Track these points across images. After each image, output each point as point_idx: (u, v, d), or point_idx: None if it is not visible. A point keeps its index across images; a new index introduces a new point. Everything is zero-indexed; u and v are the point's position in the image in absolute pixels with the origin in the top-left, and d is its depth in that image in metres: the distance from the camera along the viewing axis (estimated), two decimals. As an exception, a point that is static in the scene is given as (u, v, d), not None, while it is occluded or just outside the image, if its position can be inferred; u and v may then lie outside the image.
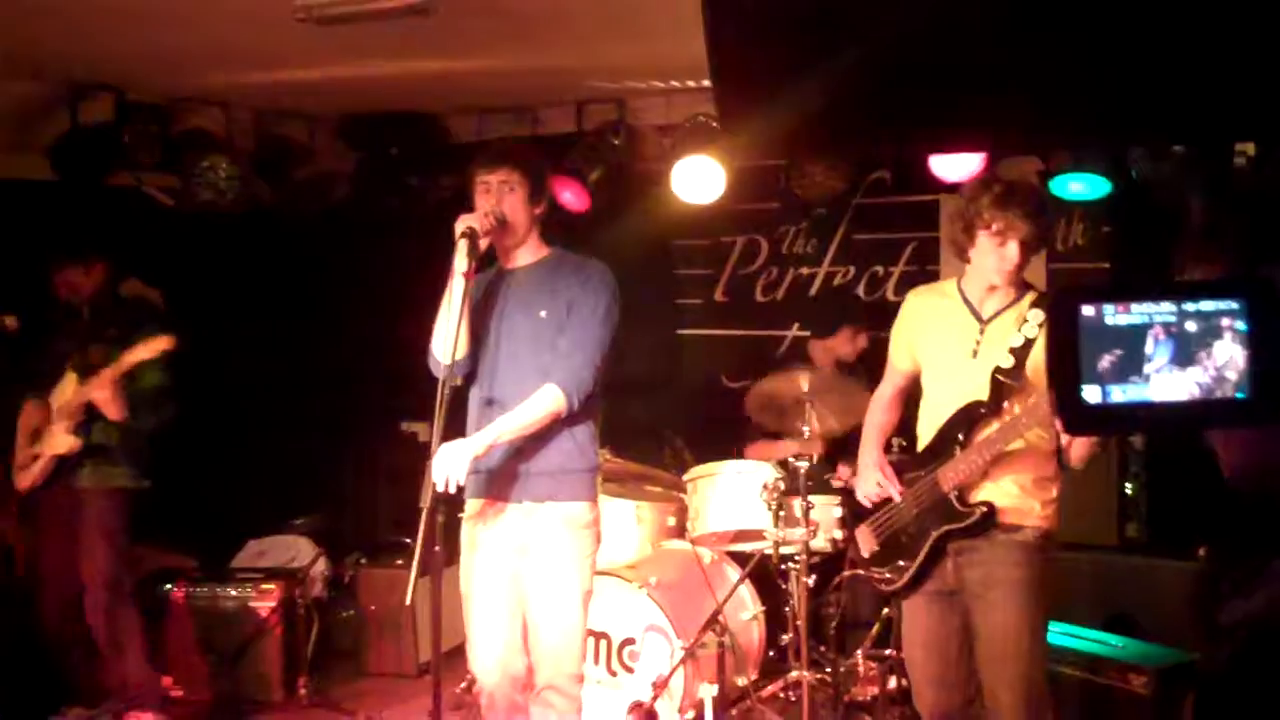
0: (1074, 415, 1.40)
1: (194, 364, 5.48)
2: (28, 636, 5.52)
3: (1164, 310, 1.37)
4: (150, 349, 5.11)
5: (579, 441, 4.12)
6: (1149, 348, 1.38)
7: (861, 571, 4.28)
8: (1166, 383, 1.38)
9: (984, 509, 3.79)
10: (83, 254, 5.52)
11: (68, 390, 5.38)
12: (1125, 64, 1.89)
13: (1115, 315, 1.37)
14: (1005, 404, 3.79)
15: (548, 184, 4.30)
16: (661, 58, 5.60)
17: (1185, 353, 1.37)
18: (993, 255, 3.78)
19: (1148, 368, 1.38)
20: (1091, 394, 1.37)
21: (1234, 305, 1.36)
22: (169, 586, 6.15)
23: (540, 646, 4.08)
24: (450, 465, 3.80)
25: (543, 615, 4.07)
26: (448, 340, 3.92)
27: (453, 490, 3.87)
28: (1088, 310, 1.37)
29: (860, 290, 7.04)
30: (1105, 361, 1.37)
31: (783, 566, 5.55)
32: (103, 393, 5.19)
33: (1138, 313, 1.37)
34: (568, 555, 4.07)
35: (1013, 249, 3.75)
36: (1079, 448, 3.79)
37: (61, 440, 5.34)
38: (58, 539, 5.45)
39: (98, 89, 5.74)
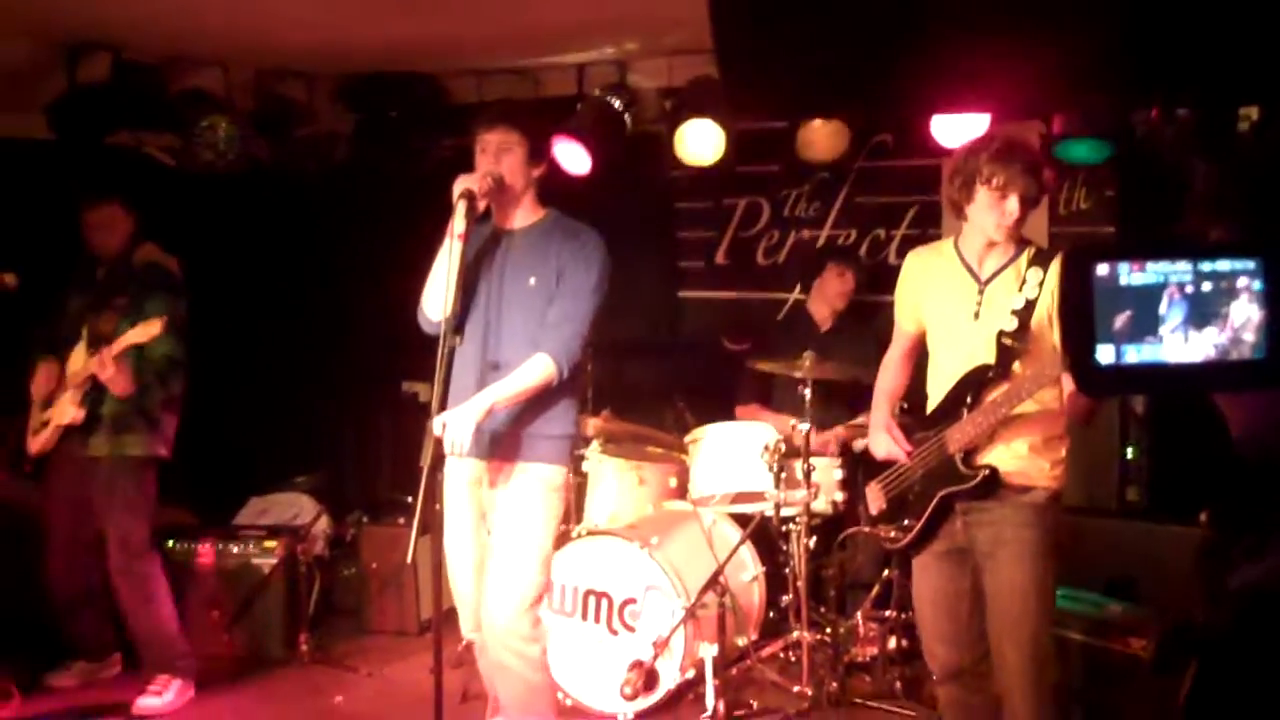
0: (1087, 376, 1.39)
1: (196, 324, 5.48)
2: (34, 593, 5.53)
3: (1179, 270, 1.36)
4: (143, 333, 5.05)
5: (558, 407, 4.19)
6: (1163, 308, 1.36)
7: (868, 529, 4.29)
8: (1182, 344, 1.36)
9: (986, 472, 3.79)
10: (120, 197, 5.49)
11: (78, 358, 5.35)
12: (1129, 26, 1.87)
13: (1130, 274, 1.36)
14: (1013, 366, 3.79)
15: (548, 146, 4.31)
16: (661, 16, 5.56)
17: (1201, 313, 1.36)
18: (993, 211, 3.76)
19: (1162, 328, 1.36)
20: (1105, 354, 1.36)
21: (1251, 265, 1.35)
22: (174, 543, 6.15)
23: (496, 602, 4.13)
24: (458, 433, 3.86)
25: (500, 571, 4.14)
26: (440, 299, 3.99)
27: (462, 456, 3.94)
28: (1102, 269, 1.35)
29: (862, 253, 7.02)
30: (1119, 321, 1.35)
31: (783, 528, 5.57)
32: (106, 370, 5.14)
33: (1153, 272, 1.36)
34: (534, 516, 4.15)
35: (1013, 203, 3.73)
36: (1076, 406, 3.79)
37: (65, 410, 5.32)
38: (65, 502, 5.45)
39: (94, 48, 5.70)
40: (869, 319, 6.33)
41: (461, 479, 4.23)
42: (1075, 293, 1.36)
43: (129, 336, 5.09)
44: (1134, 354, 1.36)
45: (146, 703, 5.28)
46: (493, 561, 4.17)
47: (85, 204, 5.47)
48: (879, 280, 6.35)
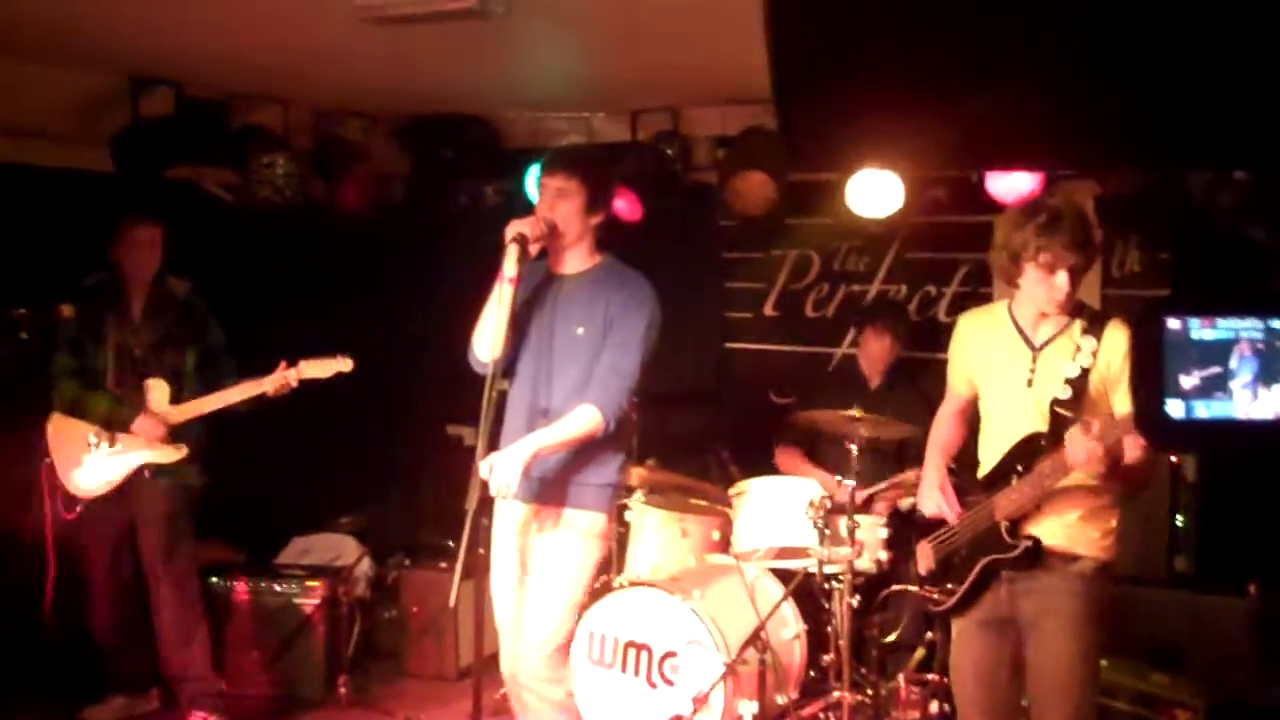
0: (1156, 430, 1.36)
1: (244, 361, 5.51)
2: (73, 627, 5.54)
3: (1250, 326, 1.33)
4: (325, 369, 5.17)
5: (604, 456, 4.21)
6: (1234, 363, 1.34)
7: (915, 588, 4.25)
8: (1251, 400, 1.34)
9: (1029, 544, 3.75)
10: (155, 217, 5.48)
11: (161, 397, 5.31)
12: (1187, 85, 1.85)
13: (1200, 329, 1.34)
14: (1065, 436, 3.75)
15: (609, 194, 4.29)
16: (718, 69, 5.59)
17: (1271, 370, 1.33)
18: (1042, 286, 3.72)
19: (1233, 384, 1.34)
20: (1175, 409, 1.33)
21: (1324, 322, 1.32)
22: (217, 579, 6.16)
23: (523, 644, 4.17)
24: (504, 476, 3.87)
25: (530, 614, 4.17)
26: (489, 341, 4.01)
27: (509, 498, 3.95)
28: (1173, 324, 1.33)
29: (912, 310, 6.97)
30: (1190, 377, 1.33)
31: (826, 586, 5.50)
32: (290, 386, 5.20)
33: (1224, 328, 1.34)
34: (568, 561, 4.18)
35: (1062, 278, 3.69)
36: (1129, 464, 3.72)
37: (166, 451, 5.30)
38: (107, 540, 5.44)
39: (158, 83, 5.78)
40: (918, 377, 6.28)
41: (508, 524, 4.24)
42: (1146, 347, 1.34)
43: (306, 371, 5.20)
44: (1204, 409, 1.34)
45: None
46: (525, 605, 4.19)
47: (134, 222, 5.42)
48: (930, 337, 6.31)
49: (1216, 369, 1.35)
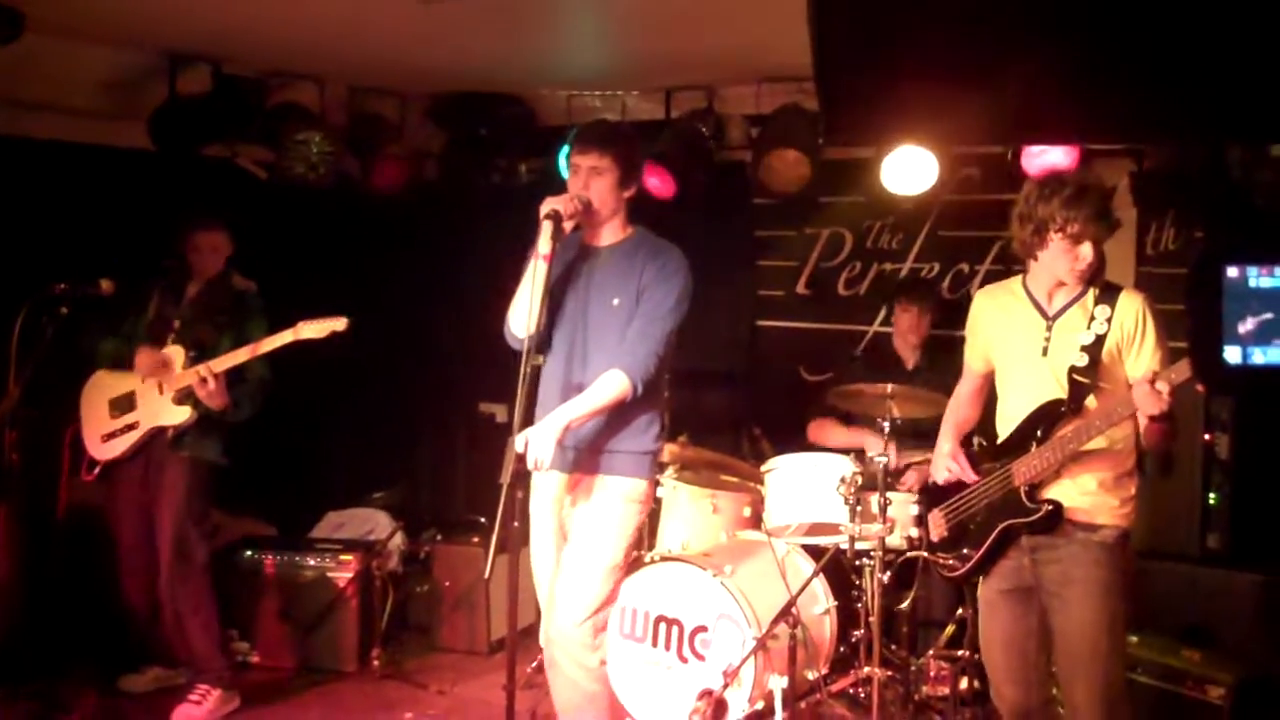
0: (1214, 375, 1.38)
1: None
2: (111, 597, 5.59)
3: (1309, 274, 1.34)
4: (320, 329, 5.10)
5: (639, 423, 4.24)
6: (1292, 310, 1.35)
7: (927, 555, 4.28)
8: (1310, 347, 1.35)
9: (1049, 507, 3.79)
10: (221, 224, 5.57)
11: (175, 362, 5.36)
12: (1224, 58, 1.86)
13: (1259, 277, 1.35)
14: (1085, 402, 3.79)
15: (640, 169, 4.34)
16: (752, 49, 5.59)
17: (1331, 318, 1.34)
18: (1066, 256, 3.78)
19: (1290, 331, 1.35)
20: (1232, 355, 1.35)
21: (1381, 272, 1.33)
22: (251, 553, 6.24)
23: (560, 608, 4.20)
24: (539, 449, 3.91)
25: (568, 579, 4.21)
26: (525, 317, 4.02)
27: (545, 469, 3.97)
28: (1232, 272, 1.34)
29: (945, 287, 6.96)
30: (1248, 323, 1.34)
31: (857, 562, 5.52)
32: (207, 387, 5.13)
33: (1282, 275, 1.35)
34: (606, 526, 4.21)
35: (1087, 249, 3.75)
36: (1153, 441, 3.75)
37: (175, 411, 5.32)
38: (133, 507, 5.48)
39: (196, 60, 5.82)
40: (951, 354, 6.26)
41: (545, 496, 4.28)
42: (1204, 294, 1.35)
43: (304, 331, 5.12)
44: (1260, 356, 1.35)
45: (186, 712, 5.31)
46: (563, 569, 4.23)
47: (197, 227, 5.52)
48: (963, 315, 6.29)
49: (1272, 316, 1.36)
